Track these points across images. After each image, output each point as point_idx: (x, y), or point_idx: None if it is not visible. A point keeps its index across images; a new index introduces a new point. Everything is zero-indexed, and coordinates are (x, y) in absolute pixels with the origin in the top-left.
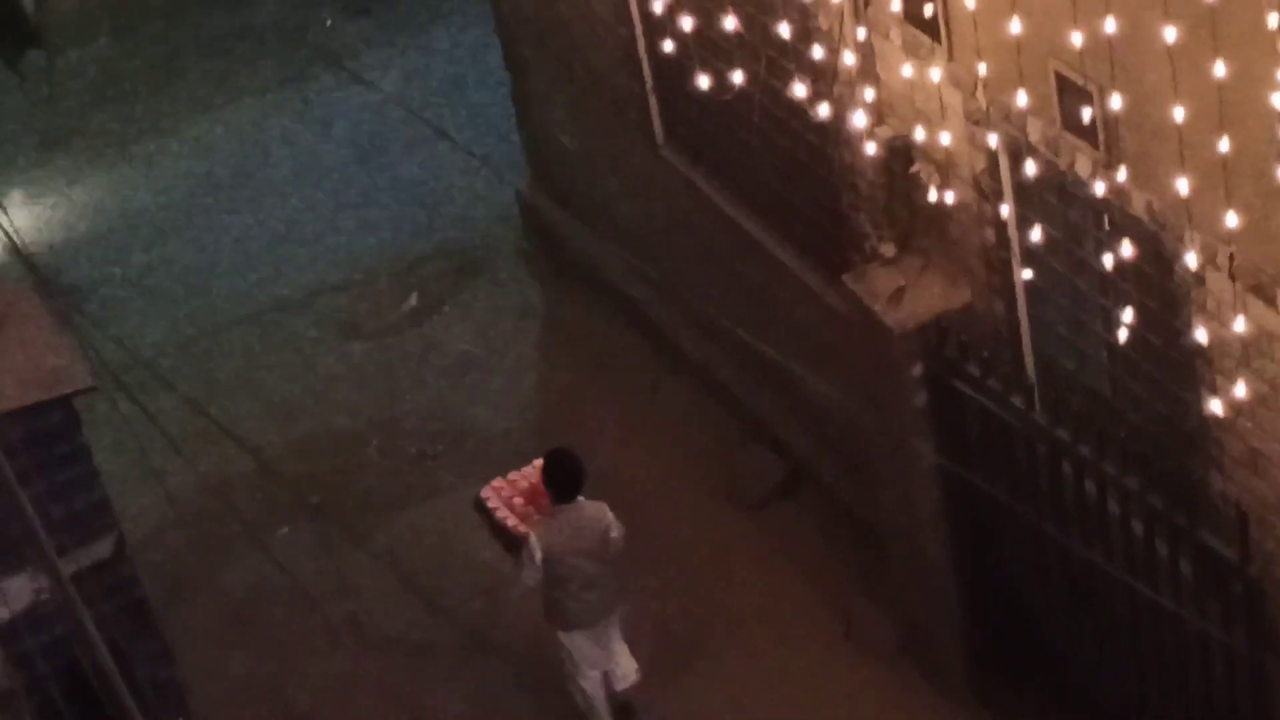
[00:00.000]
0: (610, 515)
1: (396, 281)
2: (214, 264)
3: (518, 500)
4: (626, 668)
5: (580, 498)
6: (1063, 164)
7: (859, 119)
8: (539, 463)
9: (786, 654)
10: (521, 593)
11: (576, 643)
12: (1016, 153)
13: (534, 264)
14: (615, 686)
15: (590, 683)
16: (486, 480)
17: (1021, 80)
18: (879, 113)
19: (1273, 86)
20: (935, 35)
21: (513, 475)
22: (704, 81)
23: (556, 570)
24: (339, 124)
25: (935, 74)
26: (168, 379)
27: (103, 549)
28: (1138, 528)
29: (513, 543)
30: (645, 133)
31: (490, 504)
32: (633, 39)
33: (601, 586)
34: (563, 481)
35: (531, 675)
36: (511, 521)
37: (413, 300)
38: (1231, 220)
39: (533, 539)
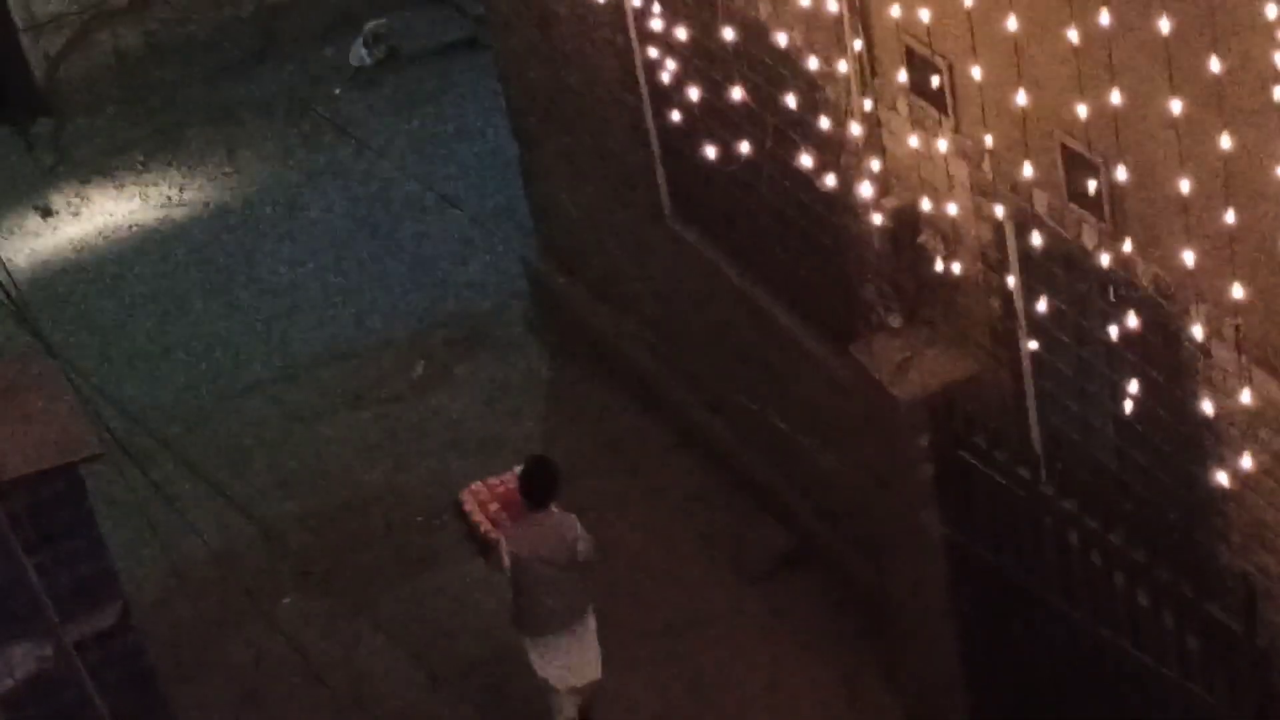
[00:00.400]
0: (580, 527)
1: (402, 351)
2: (220, 333)
3: (494, 505)
4: (591, 666)
5: (553, 506)
6: (1068, 235)
7: (866, 189)
8: (517, 470)
9: None
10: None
11: (541, 650)
12: (1023, 224)
13: (540, 334)
14: (578, 682)
15: (554, 687)
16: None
17: (1028, 152)
18: (886, 183)
19: (1277, 159)
20: (942, 107)
21: (492, 480)
22: (711, 152)
23: (523, 576)
24: (346, 193)
25: (942, 145)
26: (173, 448)
27: (107, 618)
28: (1144, 600)
29: (485, 547)
30: (652, 203)
31: (466, 507)
32: (640, 109)
33: (567, 594)
34: (536, 489)
35: None
36: (485, 526)
37: (419, 369)
38: (1237, 292)
39: (503, 542)
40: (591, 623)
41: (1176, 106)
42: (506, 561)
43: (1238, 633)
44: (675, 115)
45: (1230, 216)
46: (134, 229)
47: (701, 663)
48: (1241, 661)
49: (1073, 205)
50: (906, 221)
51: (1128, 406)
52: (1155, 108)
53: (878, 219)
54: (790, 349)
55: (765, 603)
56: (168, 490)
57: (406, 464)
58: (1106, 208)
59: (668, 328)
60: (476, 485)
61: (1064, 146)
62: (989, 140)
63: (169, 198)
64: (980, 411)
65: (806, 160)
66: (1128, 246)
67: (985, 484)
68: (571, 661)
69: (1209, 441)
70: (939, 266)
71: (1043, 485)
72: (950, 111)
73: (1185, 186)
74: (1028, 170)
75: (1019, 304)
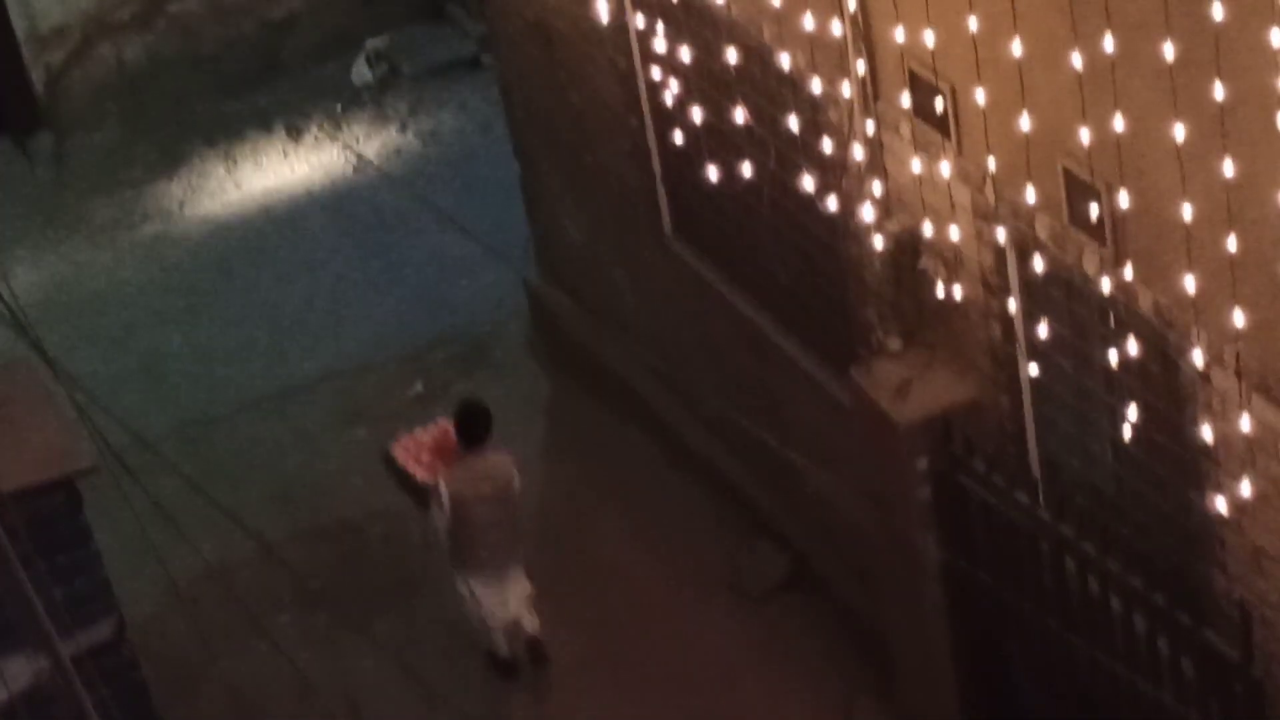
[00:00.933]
0: (514, 466)
1: (401, 369)
2: (219, 348)
3: (425, 455)
4: (528, 616)
5: (487, 447)
6: (1070, 260)
7: (867, 213)
8: (443, 421)
9: None
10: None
11: (479, 588)
12: (1024, 248)
13: (540, 354)
14: (523, 629)
15: (493, 621)
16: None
17: (1030, 176)
18: (887, 207)
19: None
20: (945, 131)
21: (419, 432)
22: (713, 173)
23: (462, 514)
24: (347, 210)
25: (944, 169)
26: (171, 462)
27: (103, 632)
28: (1141, 625)
29: (420, 494)
30: (653, 224)
31: (399, 459)
32: (642, 130)
33: (503, 532)
34: (471, 430)
35: None
36: (420, 475)
37: (418, 387)
38: (1238, 319)
39: (441, 484)
40: (522, 571)
41: (1180, 132)
42: (446, 502)
43: (1234, 660)
44: (677, 136)
45: (1232, 243)
46: (134, 244)
47: (697, 687)
48: (1238, 689)
49: (1074, 230)
50: (907, 245)
51: (1127, 432)
52: (1158, 133)
53: (879, 242)
54: (789, 371)
55: (762, 626)
56: (165, 505)
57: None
58: (1108, 233)
59: (667, 349)
60: (406, 438)
61: (1066, 171)
62: (991, 164)
63: (170, 213)
64: (979, 436)
65: (808, 183)
66: (1129, 272)
67: (983, 508)
68: (509, 596)
69: (1207, 468)
70: (940, 290)
71: (1041, 510)
72: (953, 135)
73: (1187, 212)
74: (1030, 195)
75: (1019, 329)
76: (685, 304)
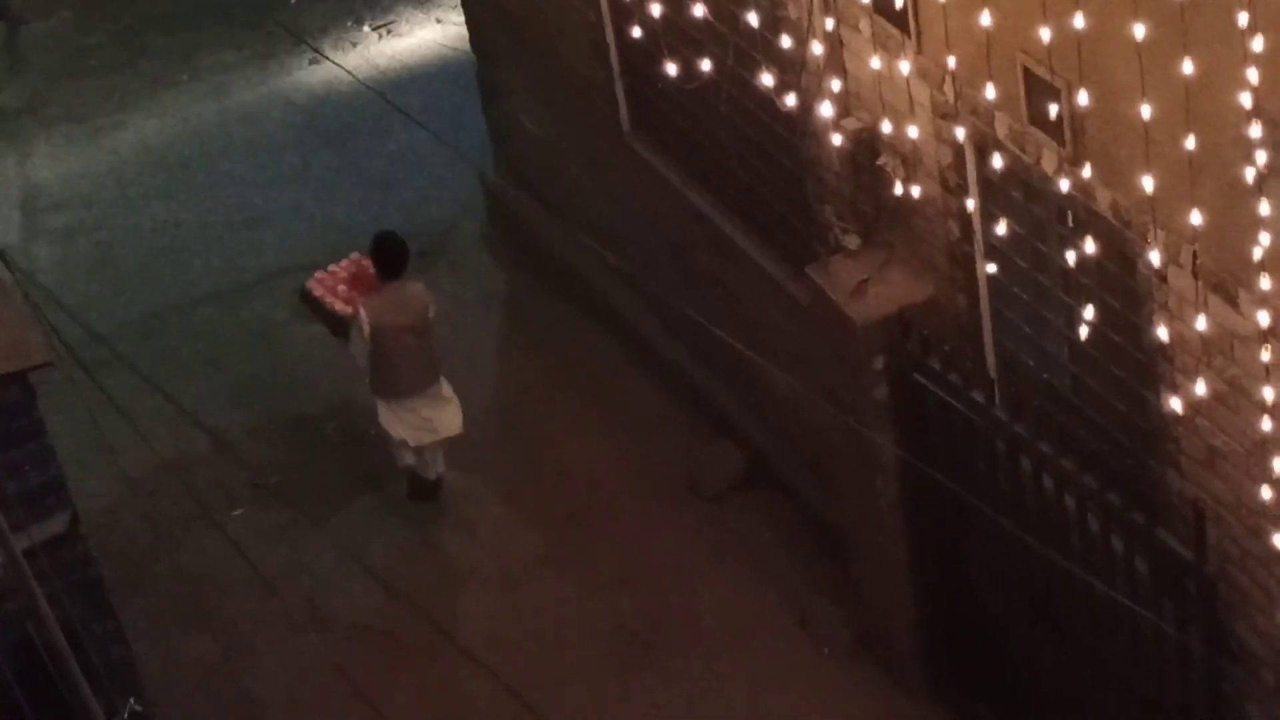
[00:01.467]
0: (429, 295)
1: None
2: (175, 243)
3: (341, 288)
4: (452, 422)
5: (404, 278)
6: (1029, 159)
7: (826, 110)
8: (356, 255)
9: (743, 649)
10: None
11: (399, 412)
12: (983, 147)
13: (497, 250)
14: (439, 435)
15: (406, 442)
16: (449, 467)
17: (990, 75)
18: (846, 104)
19: (1240, 86)
20: (904, 28)
21: (333, 267)
22: (672, 70)
23: (383, 342)
24: (303, 105)
25: (904, 67)
26: (126, 357)
27: (57, 526)
28: (1095, 525)
29: (340, 326)
30: (611, 120)
31: (316, 293)
32: (600, 25)
33: (423, 358)
34: (388, 260)
35: (492, 665)
36: (339, 306)
37: None
38: (1195, 219)
39: (362, 313)
40: (445, 383)
41: (1140, 31)
42: (367, 331)
43: (1188, 559)
44: (636, 32)
45: (1190, 143)
46: (88, 137)
47: (655, 584)
48: (1191, 587)
49: (1033, 129)
50: (866, 143)
51: (1083, 332)
52: (1118, 32)
53: (837, 140)
54: (747, 269)
55: (719, 524)
56: (120, 400)
57: (360, 377)
58: (1067, 132)
59: (625, 246)
60: (321, 274)
61: (1026, 70)
62: (951, 62)
63: (125, 105)
64: (936, 335)
65: (767, 79)
66: (1087, 172)
67: (939, 407)
68: (428, 420)
69: (1163, 368)
70: (898, 189)
71: (997, 409)
72: (912, 33)
73: (1146, 112)
74: (989, 93)
75: (977, 228)
76: (643, 201)
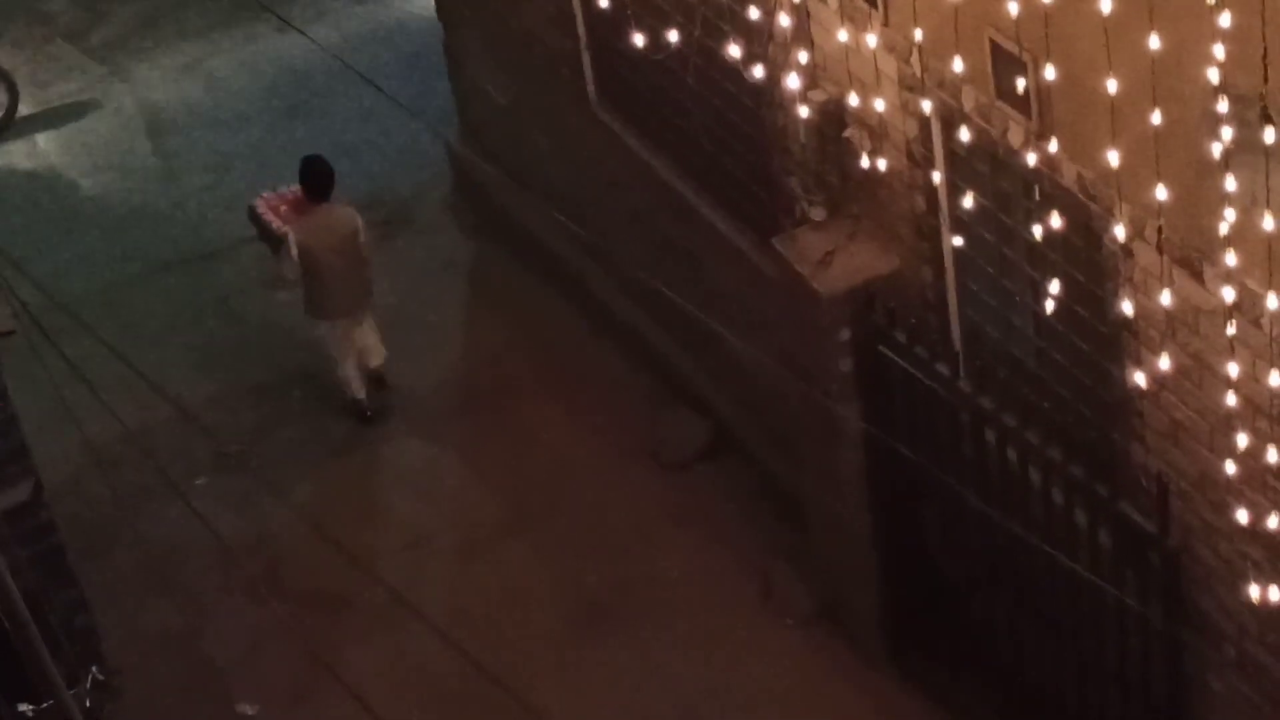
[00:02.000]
0: (360, 220)
1: None
2: (139, 210)
3: (284, 209)
4: (377, 351)
5: (332, 201)
6: (995, 133)
7: (793, 82)
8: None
9: (704, 617)
10: (286, 286)
11: (331, 331)
12: (949, 120)
13: (462, 218)
14: (369, 364)
15: (347, 366)
16: (411, 435)
17: (957, 48)
18: (813, 76)
19: (1207, 61)
20: (871, 1)
21: (280, 190)
22: (638, 40)
23: (311, 264)
24: (267, 72)
25: (871, 39)
26: (88, 324)
27: (19, 494)
28: (1058, 498)
29: (277, 243)
30: (578, 90)
31: (259, 210)
32: None
33: (351, 281)
34: (315, 183)
35: (452, 633)
36: (276, 224)
37: None
38: (1161, 193)
39: (290, 235)
40: (371, 324)
41: (1106, 5)
42: (294, 251)
43: (1151, 532)
44: (603, 1)
45: (1156, 118)
46: (51, 101)
47: (617, 551)
48: (1154, 560)
49: (1000, 103)
50: (833, 115)
51: (1048, 305)
52: (1085, 6)
53: (804, 112)
54: (713, 240)
55: (682, 492)
56: (82, 368)
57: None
58: (1034, 106)
59: (590, 216)
60: (268, 194)
61: (993, 44)
62: (918, 35)
63: (88, 72)
64: (901, 307)
65: (734, 51)
66: (1053, 146)
67: (904, 379)
68: (357, 337)
69: (1128, 342)
70: (864, 161)
71: (961, 382)
72: (880, 5)
73: (1112, 86)
74: (956, 66)
75: (943, 200)
76: (609, 171)
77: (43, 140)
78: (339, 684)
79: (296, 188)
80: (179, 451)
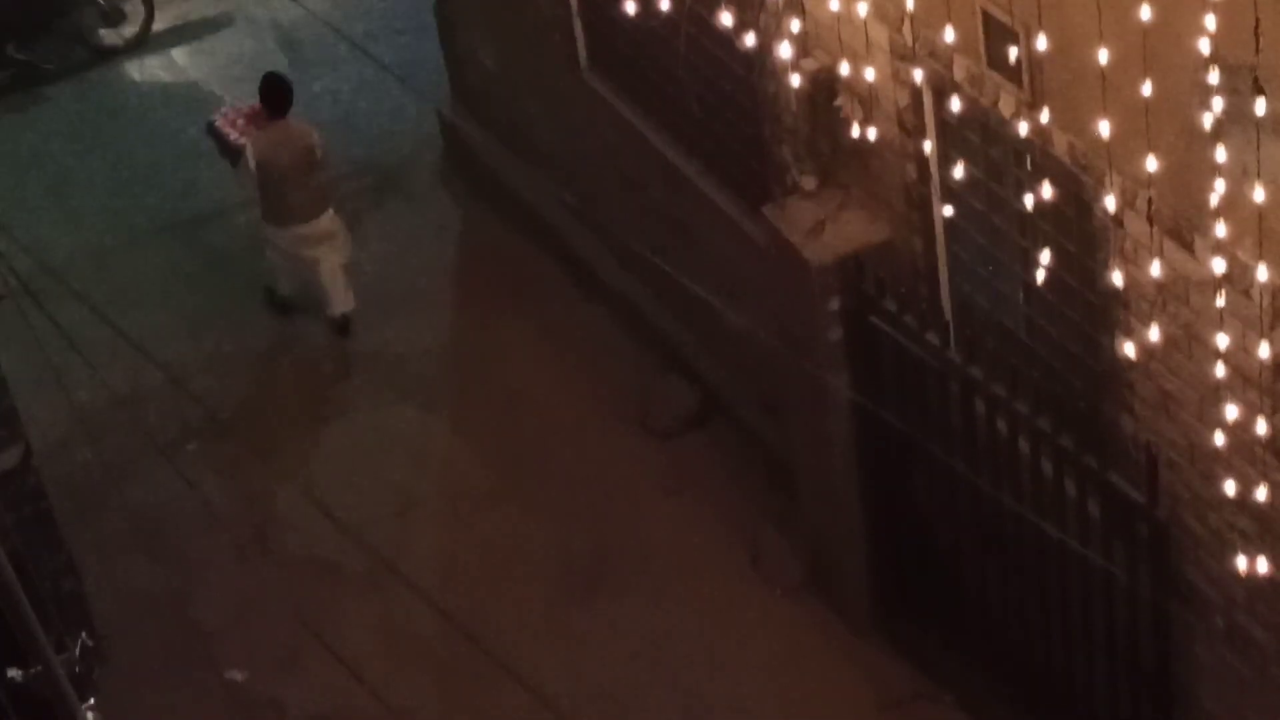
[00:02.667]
0: (316, 136)
1: None
2: (129, 175)
3: (241, 121)
4: (342, 301)
5: (289, 116)
6: (986, 102)
7: (784, 50)
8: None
9: (693, 584)
10: (246, 196)
11: (282, 237)
12: (941, 90)
13: (453, 185)
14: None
15: (283, 273)
16: (401, 401)
17: (948, 17)
18: (805, 45)
19: (1198, 32)
20: None
21: (240, 105)
22: (630, 6)
23: (267, 174)
24: (259, 37)
25: (862, 8)
26: (78, 289)
27: (8, 459)
28: (1047, 468)
29: (235, 155)
30: (569, 57)
31: (218, 124)
32: None
33: (306, 193)
34: (272, 98)
35: (441, 599)
36: (234, 136)
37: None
38: (1152, 164)
39: (248, 147)
40: (331, 216)
41: None
42: (252, 163)
43: (1139, 502)
44: None
45: (1148, 89)
46: (47, 67)
47: (606, 517)
48: (1142, 530)
49: (992, 72)
50: (824, 84)
51: (1039, 276)
52: None
53: (795, 80)
54: (703, 208)
55: (670, 460)
56: (72, 333)
57: (315, 312)
58: (1025, 76)
59: (581, 182)
60: (228, 109)
61: (985, 13)
62: (909, 4)
63: (79, 38)
64: (892, 276)
65: (726, 18)
66: (1045, 116)
67: (894, 349)
68: (312, 250)
69: (1118, 312)
70: (855, 130)
71: (951, 351)
72: None
73: (1104, 57)
74: (948, 36)
75: (934, 170)
76: (600, 138)
77: (33, 100)
78: (327, 650)
79: (253, 104)
80: (168, 417)
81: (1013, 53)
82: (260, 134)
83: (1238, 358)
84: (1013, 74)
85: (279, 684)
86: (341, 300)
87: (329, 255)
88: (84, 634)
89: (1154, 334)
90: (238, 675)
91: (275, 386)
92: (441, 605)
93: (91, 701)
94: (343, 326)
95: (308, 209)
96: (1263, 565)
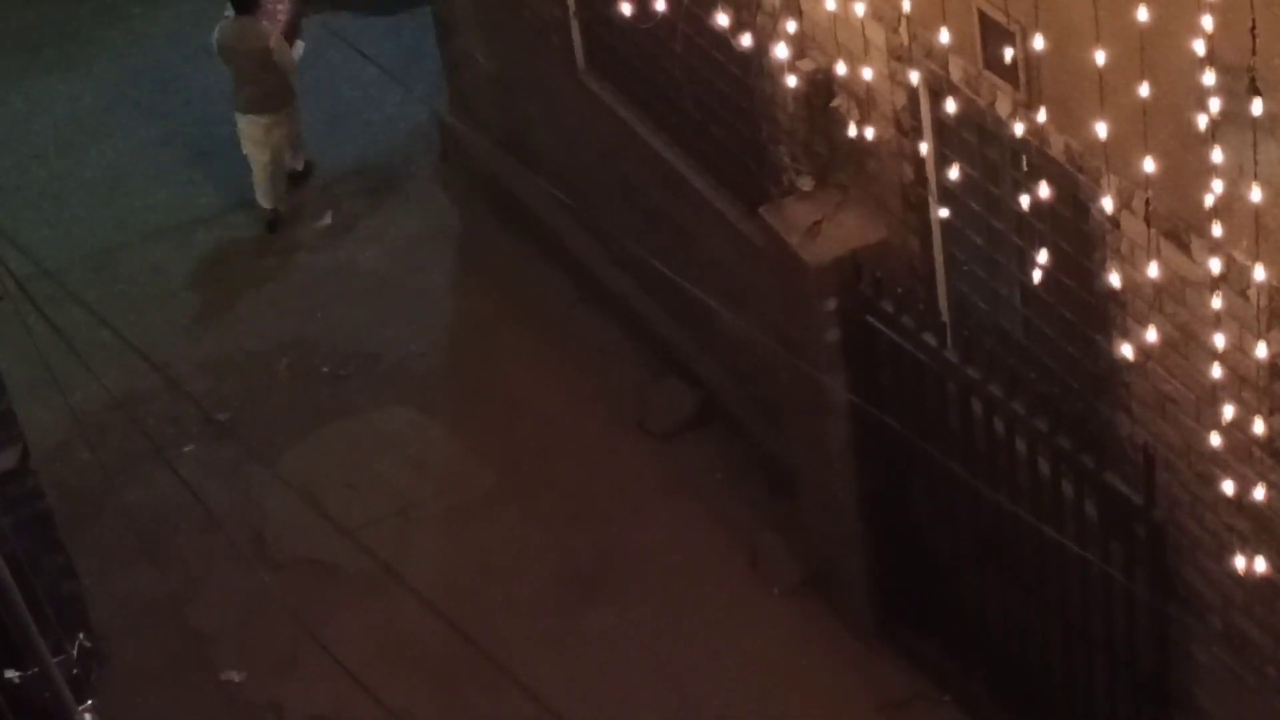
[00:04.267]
0: (271, 40)
1: (311, 200)
2: (127, 176)
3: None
4: (267, 197)
5: (254, 16)
6: (983, 103)
7: (781, 51)
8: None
9: (692, 586)
10: None
11: (244, 124)
12: (937, 90)
13: (450, 187)
14: (287, 165)
15: (258, 169)
16: (399, 403)
17: (945, 18)
18: (801, 45)
19: (1195, 32)
20: None
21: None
22: (627, 7)
23: (227, 62)
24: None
25: (859, 9)
26: (75, 291)
27: (6, 461)
28: (1045, 468)
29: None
30: (566, 58)
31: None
32: None
33: (260, 88)
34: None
35: (439, 601)
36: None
37: (327, 219)
38: (1148, 165)
39: (215, 34)
40: (271, 121)
41: None
42: (215, 50)
43: (1137, 503)
44: None
45: (1144, 89)
46: (38, 67)
47: (605, 520)
48: (1140, 531)
49: (988, 73)
50: (821, 85)
51: (1036, 276)
52: None
53: (792, 81)
54: (700, 209)
55: (670, 462)
56: (70, 335)
57: (312, 313)
58: (1022, 76)
59: (578, 183)
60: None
61: (981, 13)
62: (906, 5)
63: (74, 36)
64: (889, 277)
65: (722, 19)
66: (1042, 116)
67: (891, 350)
68: (250, 145)
69: (1115, 313)
70: (852, 131)
71: (948, 352)
72: None
73: (1100, 58)
74: (944, 36)
75: (931, 171)
76: (598, 139)
77: (28, 101)
78: (325, 652)
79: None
80: (167, 419)
81: (1009, 53)
82: (223, 25)
83: (1235, 358)
84: (1009, 74)
85: (277, 686)
86: (265, 195)
87: (262, 153)
88: (82, 635)
89: (1151, 335)
90: (236, 677)
91: (274, 389)
92: (440, 607)
93: (89, 703)
94: (271, 224)
95: (255, 104)
96: (1260, 566)
